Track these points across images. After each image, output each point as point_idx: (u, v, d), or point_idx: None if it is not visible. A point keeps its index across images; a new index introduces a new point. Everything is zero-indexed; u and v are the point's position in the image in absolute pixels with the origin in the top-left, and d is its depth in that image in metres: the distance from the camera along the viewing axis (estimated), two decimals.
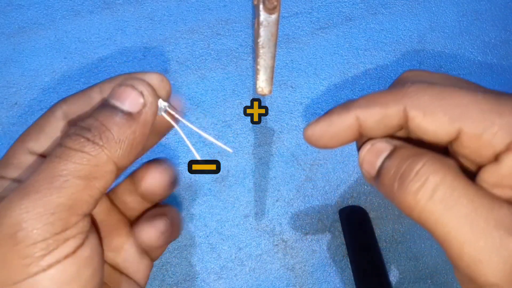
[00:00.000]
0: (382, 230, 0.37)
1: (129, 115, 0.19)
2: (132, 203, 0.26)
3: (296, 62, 0.40)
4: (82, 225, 0.18)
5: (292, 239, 0.37)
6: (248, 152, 0.38)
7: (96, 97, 0.21)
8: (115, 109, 0.19)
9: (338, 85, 0.40)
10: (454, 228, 0.18)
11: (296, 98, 0.39)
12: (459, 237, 0.18)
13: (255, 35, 0.20)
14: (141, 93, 0.20)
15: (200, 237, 0.36)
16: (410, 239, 0.37)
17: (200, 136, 0.37)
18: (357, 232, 0.37)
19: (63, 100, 0.22)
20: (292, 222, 0.37)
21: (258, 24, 0.20)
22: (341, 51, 0.41)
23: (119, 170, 0.20)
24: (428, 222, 0.19)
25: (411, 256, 0.37)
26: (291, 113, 0.39)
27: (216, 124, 0.38)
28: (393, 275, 0.37)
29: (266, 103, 0.39)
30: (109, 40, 0.39)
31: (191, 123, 0.23)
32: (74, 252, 0.18)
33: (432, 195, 0.18)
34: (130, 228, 0.25)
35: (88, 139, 0.18)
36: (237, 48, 0.40)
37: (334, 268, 0.36)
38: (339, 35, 0.41)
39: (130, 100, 0.20)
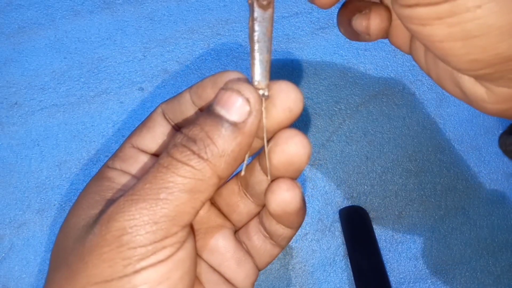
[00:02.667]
0: (382, 230, 0.37)
1: (234, 125, 0.19)
2: (235, 205, 0.25)
3: (296, 62, 0.40)
4: (181, 235, 0.19)
5: (292, 239, 0.37)
6: None
7: (187, 97, 0.22)
8: (220, 118, 0.19)
9: (338, 85, 0.40)
10: None
11: None
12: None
13: (250, 32, 0.20)
14: (248, 100, 0.19)
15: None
16: (410, 239, 0.37)
17: None
18: (357, 232, 0.36)
19: (164, 101, 0.23)
20: None
21: (253, 20, 0.19)
22: (341, 51, 0.41)
23: (222, 182, 0.20)
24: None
25: (411, 256, 0.37)
26: None
27: None
28: (393, 275, 0.37)
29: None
30: (109, 40, 0.39)
31: None
32: (167, 258, 0.19)
33: None
34: (230, 230, 0.25)
35: (193, 152, 0.19)
36: (237, 48, 0.40)
37: (334, 268, 0.36)
38: (339, 35, 0.41)
39: (235, 108, 0.19)
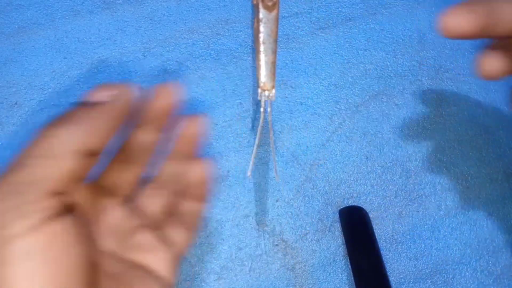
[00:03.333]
0: (382, 230, 0.37)
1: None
2: (120, 179, 0.27)
3: (296, 62, 0.40)
4: (48, 203, 0.20)
5: (292, 239, 0.37)
6: (248, 152, 0.38)
7: None
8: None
9: (338, 85, 0.40)
10: None
11: (296, 98, 0.39)
12: None
13: (255, 33, 0.20)
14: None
15: (200, 237, 0.36)
16: (410, 239, 0.37)
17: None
18: (357, 232, 0.36)
19: None
20: (292, 222, 0.37)
21: (258, 21, 0.20)
22: (341, 51, 0.41)
23: (91, 153, 0.21)
24: None
25: (411, 256, 0.37)
26: (291, 113, 0.39)
27: (216, 124, 0.38)
28: (393, 275, 0.37)
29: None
30: (109, 40, 0.39)
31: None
32: (43, 224, 0.19)
33: None
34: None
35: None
36: (237, 48, 0.40)
37: (334, 268, 0.36)
38: (339, 35, 0.41)
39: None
